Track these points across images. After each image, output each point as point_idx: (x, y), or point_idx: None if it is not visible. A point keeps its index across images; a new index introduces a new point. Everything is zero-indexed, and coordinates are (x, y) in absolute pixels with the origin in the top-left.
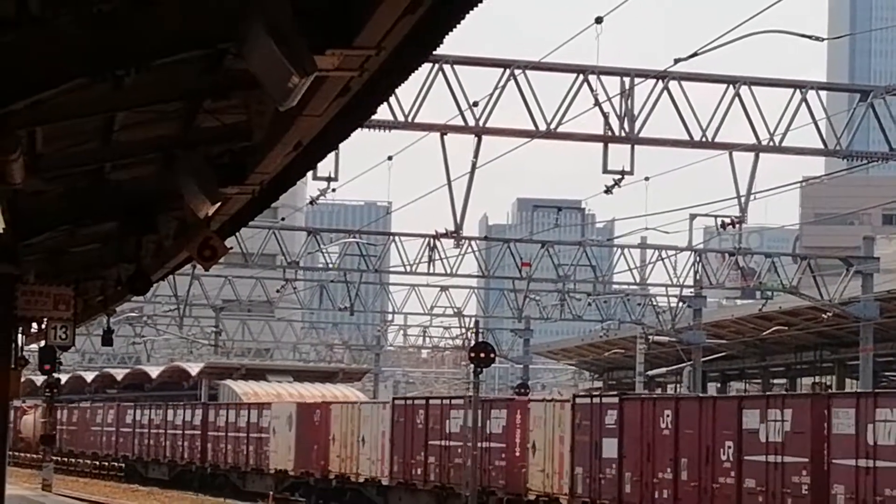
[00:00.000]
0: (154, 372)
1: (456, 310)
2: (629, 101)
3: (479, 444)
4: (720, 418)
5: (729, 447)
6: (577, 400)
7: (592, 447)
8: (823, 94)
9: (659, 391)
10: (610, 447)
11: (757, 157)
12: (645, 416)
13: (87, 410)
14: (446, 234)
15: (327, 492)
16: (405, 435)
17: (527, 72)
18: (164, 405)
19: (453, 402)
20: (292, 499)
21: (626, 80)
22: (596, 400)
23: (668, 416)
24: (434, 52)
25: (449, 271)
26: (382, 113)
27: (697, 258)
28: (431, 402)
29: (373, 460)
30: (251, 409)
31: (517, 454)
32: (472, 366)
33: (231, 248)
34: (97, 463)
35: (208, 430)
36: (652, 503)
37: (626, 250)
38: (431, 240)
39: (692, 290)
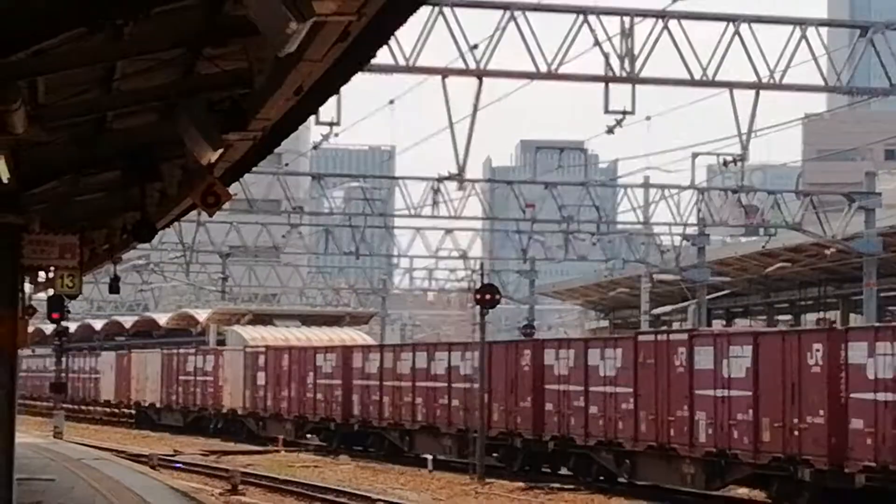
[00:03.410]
0: (162, 319)
1: (461, 252)
2: (629, 41)
3: (198, 379)
4: (306, 360)
5: (310, 375)
6: (247, 349)
7: (254, 378)
8: (823, 30)
9: (665, 329)
10: (261, 378)
11: (757, 94)
12: (277, 360)
13: None
14: (450, 177)
15: (131, 414)
16: (168, 374)
17: (526, 13)
18: (42, 356)
19: (188, 350)
20: (302, 442)
21: (626, 19)
22: (251, 349)
23: (286, 358)
24: None
25: (453, 214)
26: (383, 57)
27: (700, 196)
28: (179, 350)
29: (152, 391)
30: (88, 357)
31: (219, 384)
32: (478, 307)
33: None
34: (108, 410)
35: (69, 373)
36: (279, 410)
37: (629, 190)
38: (435, 183)
39: (696, 228)
